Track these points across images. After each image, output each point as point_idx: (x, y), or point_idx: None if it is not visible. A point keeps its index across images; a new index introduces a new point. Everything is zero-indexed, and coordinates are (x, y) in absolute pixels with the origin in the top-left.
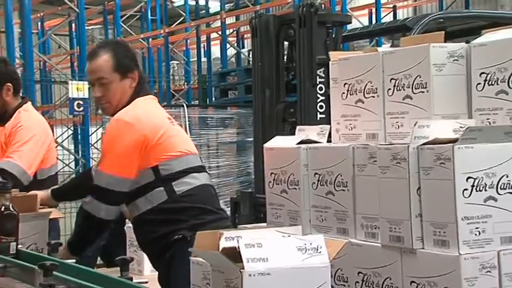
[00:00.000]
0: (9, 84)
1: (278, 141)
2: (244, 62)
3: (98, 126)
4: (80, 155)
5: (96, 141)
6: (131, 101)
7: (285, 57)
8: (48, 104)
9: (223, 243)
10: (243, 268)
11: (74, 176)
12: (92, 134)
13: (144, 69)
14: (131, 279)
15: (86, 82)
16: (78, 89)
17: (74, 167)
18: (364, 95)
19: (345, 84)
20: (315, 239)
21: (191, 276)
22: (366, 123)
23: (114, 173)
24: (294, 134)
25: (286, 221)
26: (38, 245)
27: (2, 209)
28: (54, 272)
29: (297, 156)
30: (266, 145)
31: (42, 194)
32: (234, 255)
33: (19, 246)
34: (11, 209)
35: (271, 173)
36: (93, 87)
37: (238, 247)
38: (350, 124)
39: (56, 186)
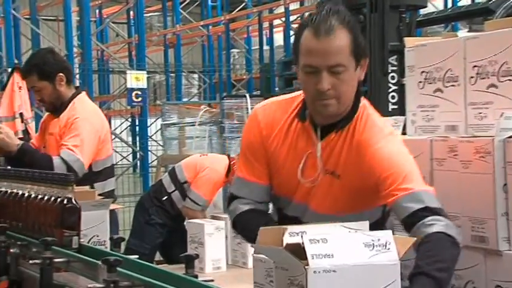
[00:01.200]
0: (61, 74)
1: None
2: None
3: (157, 117)
4: (138, 147)
5: (154, 133)
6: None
7: None
8: (105, 95)
9: (287, 239)
10: (308, 265)
11: (131, 169)
12: (150, 125)
13: (203, 58)
14: (196, 276)
15: (145, 72)
16: (137, 79)
17: (131, 160)
18: (443, 83)
19: (422, 72)
20: (383, 235)
21: (253, 274)
22: (445, 114)
23: None
24: None
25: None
26: (100, 237)
27: (65, 202)
28: (118, 268)
29: None
30: None
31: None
32: (298, 251)
33: (81, 239)
34: (74, 202)
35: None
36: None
37: (303, 243)
38: (427, 115)
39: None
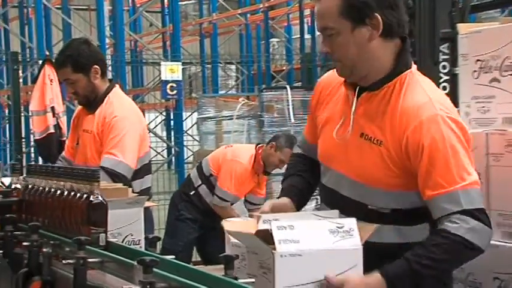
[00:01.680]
0: (96, 66)
1: None
2: None
3: (192, 111)
4: (173, 143)
5: (190, 128)
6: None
7: None
8: (139, 88)
9: (260, 226)
10: (275, 249)
11: (166, 165)
12: (185, 119)
13: (241, 48)
14: (236, 278)
15: (180, 63)
16: (171, 71)
17: (166, 156)
18: (500, 73)
19: (477, 61)
20: (347, 222)
21: (247, 266)
22: (502, 106)
23: None
24: None
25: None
26: (135, 236)
27: (91, 198)
28: (154, 269)
29: None
30: None
31: None
32: (267, 237)
33: (114, 239)
34: (100, 198)
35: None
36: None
37: (271, 229)
38: (483, 107)
39: None
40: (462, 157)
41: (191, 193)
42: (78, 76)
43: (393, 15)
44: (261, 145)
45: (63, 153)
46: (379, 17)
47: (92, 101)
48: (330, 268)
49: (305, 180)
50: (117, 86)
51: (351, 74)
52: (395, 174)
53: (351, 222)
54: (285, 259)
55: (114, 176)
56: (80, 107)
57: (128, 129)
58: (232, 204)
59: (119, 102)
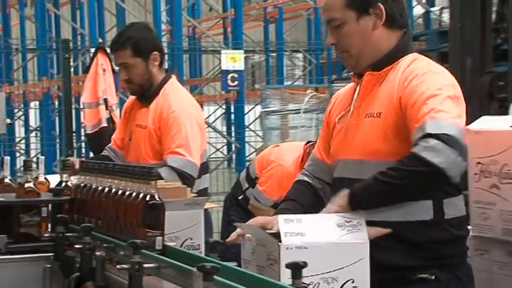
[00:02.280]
0: (156, 52)
1: (485, 123)
2: (435, 23)
3: (255, 104)
4: (233, 139)
5: (252, 122)
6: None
7: (493, 15)
8: (197, 78)
9: (281, 225)
10: (281, 241)
11: (226, 163)
12: (247, 113)
13: (309, 34)
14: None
15: (242, 51)
16: (233, 60)
17: (225, 153)
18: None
19: (478, 163)
20: (356, 217)
21: (241, 251)
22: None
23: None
24: (505, 113)
25: (497, 223)
26: (194, 240)
27: (147, 199)
28: (214, 276)
29: None
30: (470, 127)
31: None
32: (279, 232)
33: (172, 243)
34: (157, 198)
35: (478, 163)
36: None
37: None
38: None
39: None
40: (442, 97)
41: (240, 197)
42: (136, 61)
43: (395, 6)
44: (310, 143)
45: (111, 144)
46: (382, 6)
47: (146, 92)
48: (335, 261)
49: (301, 206)
50: (173, 77)
51: (356, 64)
52: (392, 143)
53: (359, 218)
54: (291, 251)
55: (184, 177)
56: (131, 98)
57: (189, 124)
58: (275, 206)
59: (175, 95)
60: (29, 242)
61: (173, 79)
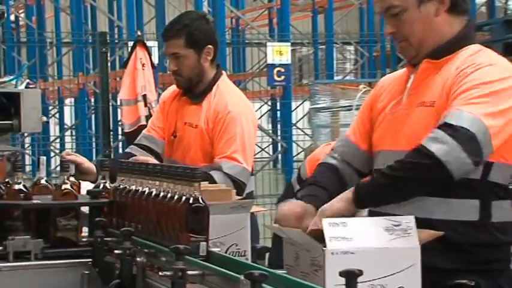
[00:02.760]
0: (210, 46)
1: None
2: (501, 11)
3: (303, 100)
4: (280, 137)
5: (300, 119)
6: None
7: None
8: (241, 73)
9: (325, 228)
10: (326, 246)
11: (271, 163)
12: (295, 109)
13: (361, 25)
14: None
15: (288, 44)
16: (279, 53)
17: (271, 152)
18: None
19: None
20: (405, 220)
21: (284, 255)
22: None
23: None
24: None
25: None
26: (240, 246)
27: (190, 201)
28: (263, 284)
29: None
30: None
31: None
32: (322, 236)
33: (217, 248)
34: (201, 201)
35: None
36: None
37: (323, 227)
38: None
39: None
40: (484, 91)
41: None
42: (188, 52)
43: None
44: None
45: (150, 134)
46: None
47: (194, 87)
48: (384, 267)
49: (325, 191)
50: (225, 73)
51: (416, 54)
52: None
53: (409, 221)
54: (336, 257)
55: (238, 186)
56: (170, 89)
57: (246, 127)
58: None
59: (229, 95)
60: (67, 246)
61: (225, 76)
